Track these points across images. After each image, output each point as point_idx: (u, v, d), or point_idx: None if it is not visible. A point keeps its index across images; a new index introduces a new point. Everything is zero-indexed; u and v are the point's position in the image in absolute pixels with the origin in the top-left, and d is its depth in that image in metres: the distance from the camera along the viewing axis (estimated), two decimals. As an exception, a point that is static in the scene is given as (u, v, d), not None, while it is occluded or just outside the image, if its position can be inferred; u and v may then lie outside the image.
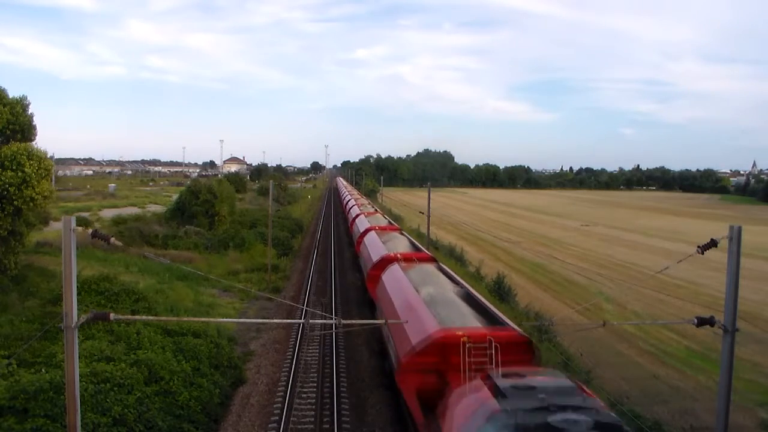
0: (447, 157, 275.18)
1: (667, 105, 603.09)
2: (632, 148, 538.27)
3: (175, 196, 62.01)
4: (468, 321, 14.25)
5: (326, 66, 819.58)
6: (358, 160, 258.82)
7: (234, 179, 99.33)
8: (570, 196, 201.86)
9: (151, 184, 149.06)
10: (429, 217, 40.84)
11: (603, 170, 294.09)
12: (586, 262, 55.93)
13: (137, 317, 14.94)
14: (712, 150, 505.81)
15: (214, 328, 21.93)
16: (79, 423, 9.43)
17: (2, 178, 21.81)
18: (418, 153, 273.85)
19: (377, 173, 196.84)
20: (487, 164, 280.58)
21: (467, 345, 11.86)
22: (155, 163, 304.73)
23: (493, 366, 11.32)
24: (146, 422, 13.85)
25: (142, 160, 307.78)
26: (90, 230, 10.86)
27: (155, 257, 18.30)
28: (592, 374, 22.40)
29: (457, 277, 20.10)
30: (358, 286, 34.33)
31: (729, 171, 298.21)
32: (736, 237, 10.63)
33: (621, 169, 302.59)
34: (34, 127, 25.72)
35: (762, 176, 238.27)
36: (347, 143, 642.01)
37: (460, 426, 9.70)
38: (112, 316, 9.96)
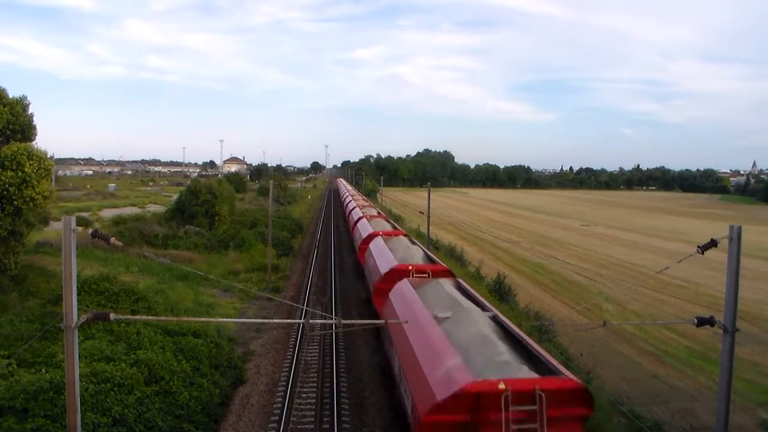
0: (447, 157, 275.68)
1: (667, 105, 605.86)
2: (632, 148, 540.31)
3: (175, 196, 62.04)
4: (506, 365, 11.44)
5: (326, 66, 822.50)
6: (358, 160, 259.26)
7: (234, 179, 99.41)
8: (570, 196, 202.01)
9: (151, 184, 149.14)
10: (429, 217, 40.86)
11: (603, 170, 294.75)
12: (586, 262, 55.92)
13: (137, 317, 14.92)
14: (712, 150, 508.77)
15: (214, 328, 21.94)
16: (79, 423, 9.43)
17: (2, 178, 21.84)
18: (418, 153, 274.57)
19: (377, 173, 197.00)
20: (487, 164, 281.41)
21: (508, 398, 9.87)
22: (155, 163, 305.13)
23: (541, 426, 9.77)
24: (146, 422, 13.85)
25: (142, 160, 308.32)
26: (90, 230, 10.91)
27: (155, 257, 18.37)
28: (592, 374, 22.39)
29: (482, 300, 16.88)
30: (357, 286, 34.31)
31: (729, 171, 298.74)
32: (736, 237, 10.62)
33: (621, 169, 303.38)
34: (34, 127, 25.77)
35: (762, 176, 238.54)
36: (347, 143, 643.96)
37: None
38: (112, 316, 9.96)
